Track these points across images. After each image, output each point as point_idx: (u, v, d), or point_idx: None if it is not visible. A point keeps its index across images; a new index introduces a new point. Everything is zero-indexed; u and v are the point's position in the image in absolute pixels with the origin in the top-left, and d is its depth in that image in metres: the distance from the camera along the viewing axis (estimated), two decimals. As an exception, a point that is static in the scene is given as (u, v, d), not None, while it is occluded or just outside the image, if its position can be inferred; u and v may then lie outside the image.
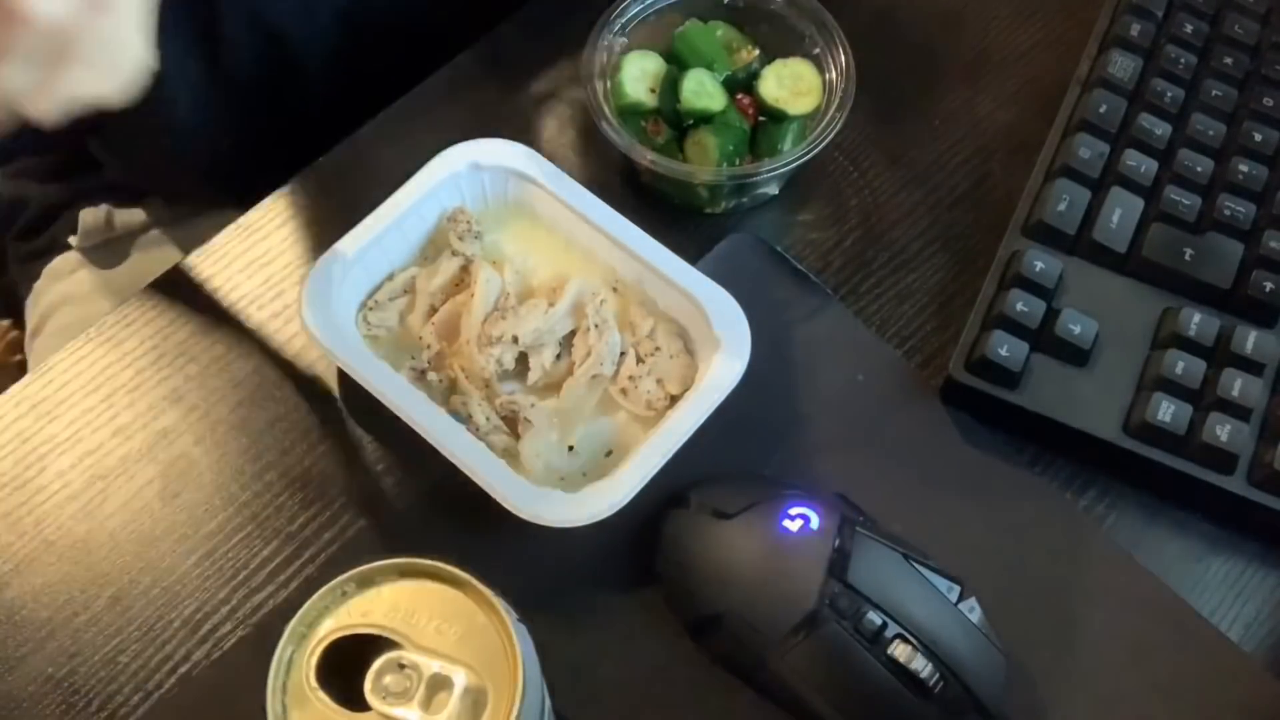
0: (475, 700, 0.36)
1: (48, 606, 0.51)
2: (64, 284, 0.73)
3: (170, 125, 0.66)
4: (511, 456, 0.51)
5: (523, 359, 0.54)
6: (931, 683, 0.44)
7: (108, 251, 0.74)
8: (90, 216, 0.72)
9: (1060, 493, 0.54)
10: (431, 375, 0.53)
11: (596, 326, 0.53)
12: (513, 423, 0.52)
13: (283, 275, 0.58)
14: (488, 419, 0.51)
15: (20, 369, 0.84)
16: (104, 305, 0.70)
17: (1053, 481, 0.54)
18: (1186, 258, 0.56)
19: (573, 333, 0.54)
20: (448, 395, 0.53)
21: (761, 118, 0.59)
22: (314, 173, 0.61)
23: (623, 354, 0.53)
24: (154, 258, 0.73)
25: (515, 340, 0.53)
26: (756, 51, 0.61)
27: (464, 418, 0.51)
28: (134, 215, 0.73)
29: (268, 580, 0.51)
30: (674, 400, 0.52)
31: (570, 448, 0.52)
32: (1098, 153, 0.59)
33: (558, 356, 0.54)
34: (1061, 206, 0.57)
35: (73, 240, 0.73)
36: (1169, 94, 0.61)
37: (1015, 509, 0.53)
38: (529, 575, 0.50)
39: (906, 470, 0.54)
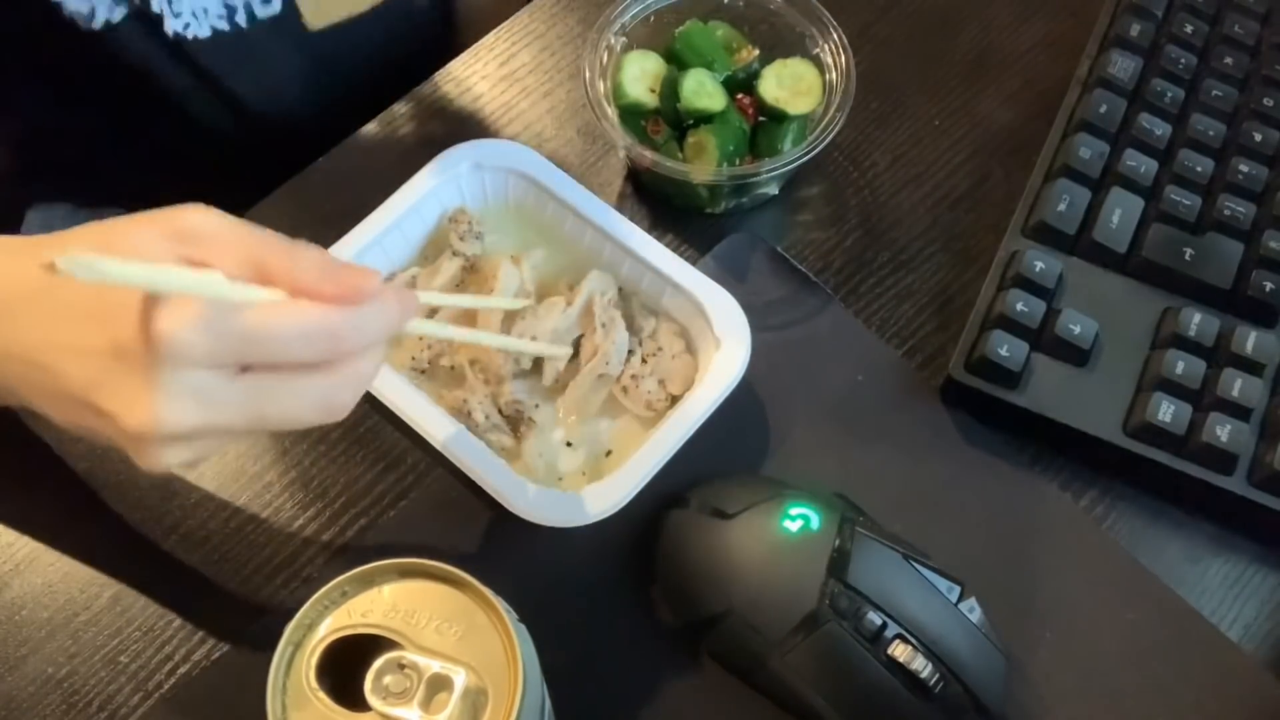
0: (475, 700, 0.36)
1: (48, 607, 0.51)
2: None
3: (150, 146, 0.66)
4: (511, 455, 0.51)
5: (538, 360, 0.54)
6: (931, 683, 0.44)
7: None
8: (39, 216, 0.72)
9: (1060, 493, 0.54)
10: (444, 360, 0.53)
11: (604, 325, 0.53)
12: (516, 422, 0.52)
13: (283, 275, 0.58)
14: (487, 417, 0.51)
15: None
16: None
17: (1053, 481, 0.54)
18: (1186, 258, 0.56)
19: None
20: (450, 389, 0.52)
21: (761, 118, 0.59)
22: (314, 173, 0.61)
23: (630, 353, 0.53)
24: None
25: (534, 339, 0.53)
26: (756, 51, 0.61)
27: (464, 415, 0.51)
28: (85, 218, 0.74)
29: (268, 580, 0.51)
30: (674, 400, 0.52)
31: (569, 444, 0.52)
32: (1098, 153, 0.59)
33: (572, 358, 0.54)
34: (1061, 206, 0.57)
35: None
36: (1169, 94, 0.61)
37: (1015, 509, 0.53)
38: (529, 575, 0.50)
39: (906, 470, 0.54)
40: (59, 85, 0.63)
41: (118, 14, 0.58)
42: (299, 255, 0.36)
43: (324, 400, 0.38)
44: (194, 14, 0.60)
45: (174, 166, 0.69)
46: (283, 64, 0.66)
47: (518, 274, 0.54)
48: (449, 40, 0.65)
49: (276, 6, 0.62)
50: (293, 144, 0.67)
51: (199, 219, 0.36)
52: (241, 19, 0.61)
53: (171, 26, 0.59)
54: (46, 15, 0.56)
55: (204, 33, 0.61)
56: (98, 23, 0.57)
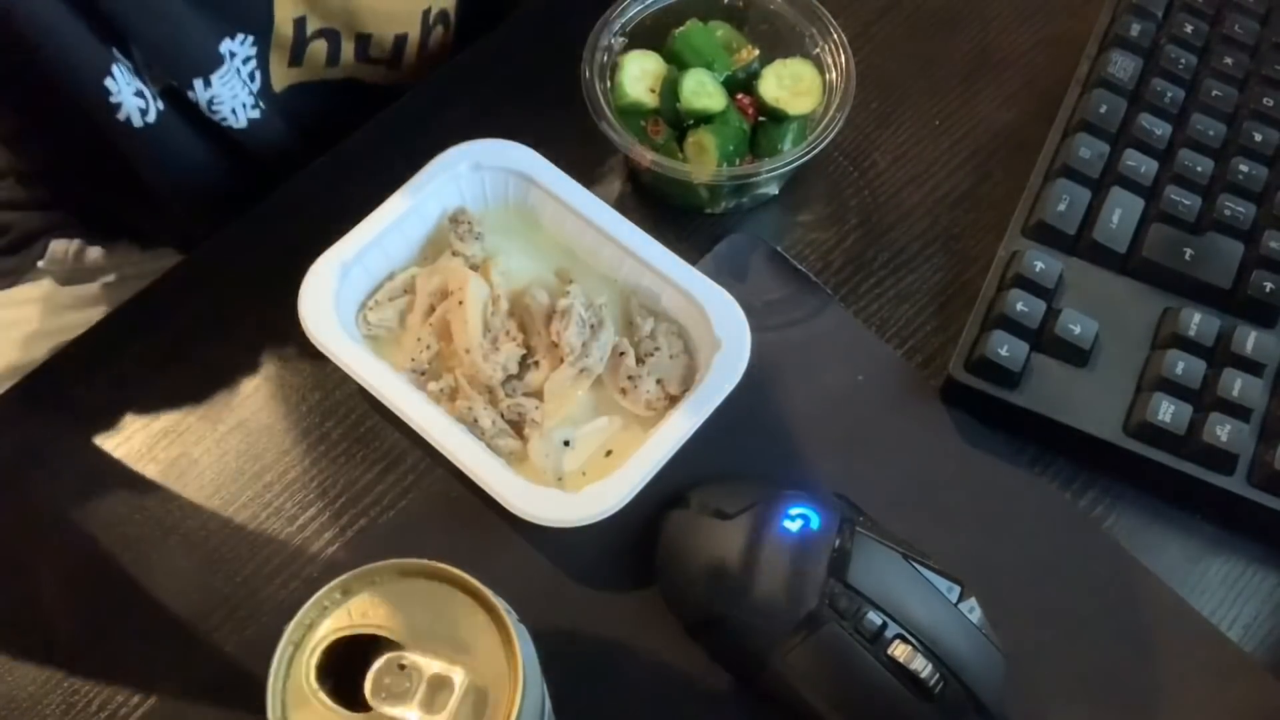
0: (475, 700, 0.36)
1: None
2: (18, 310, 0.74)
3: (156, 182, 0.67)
4: (519, 459, 0.52)
5: (524, 361, 0.54)
6: (931, 683, 0.44)
7: (71, 281, 0.74)
8: (60, 247, 0.73)
9: (1060, 493, 0.54)
10: (432, 385, 0.53)
11: (592, 327, 0.53)
12: (519, 426, 0.52)
13: (282, 275, 0.58)
14: (494, 423, 0.51)
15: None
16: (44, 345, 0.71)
17: (1053, 481, 0.54)
18: (1186, 258, 0.56)
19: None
20: (453, 399, 0.53)
21: (761, 118, 0.59)
22: (314, 173, 0.61)
23: (622, 354, 0.53)
24: (113, 296, 0.73)
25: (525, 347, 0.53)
26: (756, 51, 0.61)
27: (470, 423, 0.51)
28: (101, 253, 0.74)
29: (268, 580, 0.51)
30: (674, 400, 0.52)
31: (566, 442, 0.52)
32: (1098, 153, 0.59)
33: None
34: (1061, 206, 0.57)
35: (41, 264, 0.73)
36: (1169, 94, 0.61)
37: (1015, 509, 0.53)
38: (529, 575, 0.50)
39: (906, 470, 0.54)
40: (79, 151, 0.64)
41: (155, 110, 0.59)
42: None
43: None
44: (233, 110, 0.62)
45: (181, 201, 0.70)
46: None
47: (486, 286, 0.54)
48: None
49: (259, 80, 0.63)
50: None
51: None
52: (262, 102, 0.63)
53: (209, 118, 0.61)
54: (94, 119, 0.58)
55: (240, 124, 0.63)
56: (150, 116, 0.59)
